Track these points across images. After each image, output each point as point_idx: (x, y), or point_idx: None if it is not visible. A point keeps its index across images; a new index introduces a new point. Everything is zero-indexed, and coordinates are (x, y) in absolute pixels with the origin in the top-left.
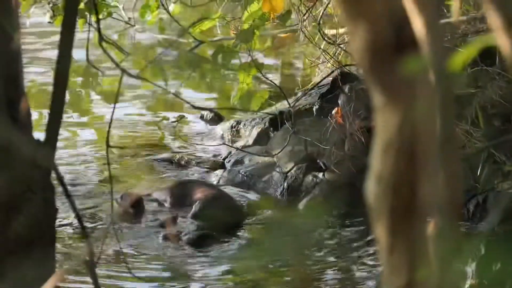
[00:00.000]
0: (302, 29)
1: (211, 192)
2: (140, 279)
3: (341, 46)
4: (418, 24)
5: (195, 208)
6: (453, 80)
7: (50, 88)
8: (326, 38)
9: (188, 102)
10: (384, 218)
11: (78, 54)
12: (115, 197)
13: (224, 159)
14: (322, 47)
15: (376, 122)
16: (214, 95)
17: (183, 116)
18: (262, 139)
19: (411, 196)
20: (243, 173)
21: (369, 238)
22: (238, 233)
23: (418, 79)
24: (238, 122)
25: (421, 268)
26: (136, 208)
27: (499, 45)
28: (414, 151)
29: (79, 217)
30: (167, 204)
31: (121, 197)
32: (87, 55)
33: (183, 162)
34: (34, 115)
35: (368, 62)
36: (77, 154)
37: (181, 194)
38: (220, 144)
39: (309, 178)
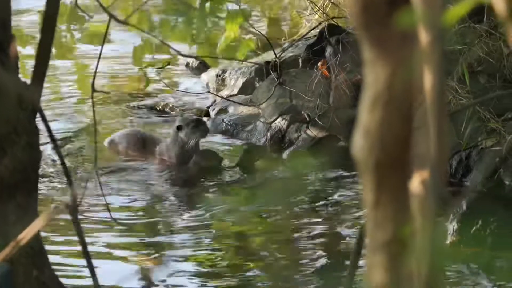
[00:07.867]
0: None
1: None
2: (119, 223)
3: None
4: None
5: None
6: (444, 35)
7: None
8: None
9: (174, 49)
10: (370, 172)
11: None
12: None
13: (208, 107)
14: None
15: (366, 76)
16: (201, 43)
17: (169, 62)
18: (247, 88)
19: (398, 151)
20: (227, 121)
21: (352, 191)
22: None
23: (410, 34)
24: (224, 71)
25: (405, 224)
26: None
27: (491, 2)
28: (402, 106)
29: (62, 161)
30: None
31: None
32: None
33: (167, 109)
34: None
35: (361, 15)
36: (62, 98)
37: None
38: (205, 92)
39: (293, 129)
